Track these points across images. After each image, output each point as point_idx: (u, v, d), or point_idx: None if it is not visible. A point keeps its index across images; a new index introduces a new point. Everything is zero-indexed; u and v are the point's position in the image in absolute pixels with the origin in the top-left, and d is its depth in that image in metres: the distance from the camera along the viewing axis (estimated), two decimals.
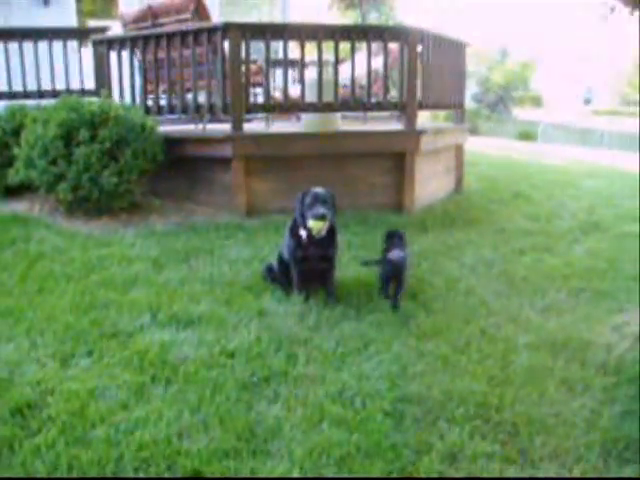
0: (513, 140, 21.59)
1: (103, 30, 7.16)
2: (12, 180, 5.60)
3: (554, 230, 5.90)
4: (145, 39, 6.14)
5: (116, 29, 7.63)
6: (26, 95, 7.17)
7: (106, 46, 6.50)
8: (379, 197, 6.07)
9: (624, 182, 9.11)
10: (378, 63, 6.49)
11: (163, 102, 6.28)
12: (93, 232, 5.17)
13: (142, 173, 5.51)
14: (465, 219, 6.05)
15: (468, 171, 8.02)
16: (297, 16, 13.83)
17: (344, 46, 6.05)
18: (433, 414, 2.61)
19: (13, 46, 7.15)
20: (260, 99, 6.80)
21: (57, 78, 7.13)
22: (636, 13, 4.92)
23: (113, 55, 6.46)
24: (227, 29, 5.51)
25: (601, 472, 2.29)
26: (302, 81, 5.86)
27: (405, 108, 6.08)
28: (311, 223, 3.69)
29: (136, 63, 6.43)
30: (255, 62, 6.87)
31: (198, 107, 6.02)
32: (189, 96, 6.19)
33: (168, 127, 6.49)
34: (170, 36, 5.92)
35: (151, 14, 6.74)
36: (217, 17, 10.23)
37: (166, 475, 2.20)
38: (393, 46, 6.37)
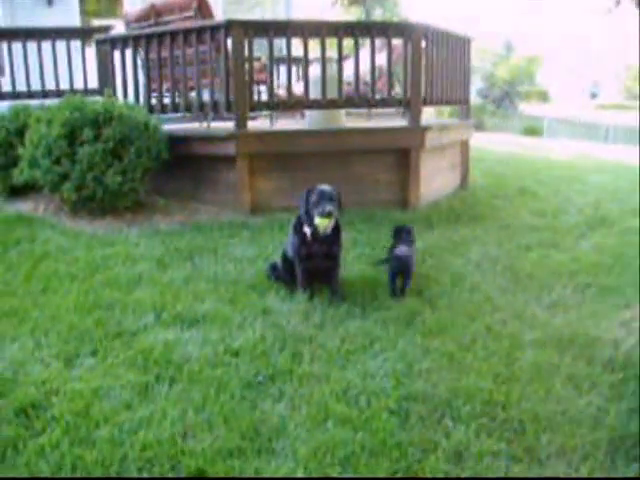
0: (519, 135, 21.53)
1: (106, 29, 7.18)
2: (17, 180, 5.62)
3: (560, 226, 5.86)
4: (148, 37, 6.13)
5: (120, 28, 7.63)
6: (30, 95, 7.19)
7: (109, 45, 6.50)
8: (384, 194, 6.05)
9: (630, 177, 9.04)
10: (382, 59, 6.47)
11: (167, 100, 6.27)
12: (97, 232, 5.18)
13: (146, 171, 5.51)
14: (470, 215, 6.02)
15: (474, 167, 7.99)
16: (300, 13, 13.81)
17: (348, 42, 6.03)
18: (439, 412, 2.59)
19: (17, 46, 7.15)
20: (264, 97, 6.80)
21: (61, 78, 7.15)
22: None
23: (116, 54, 6.45)
24: (230, 27, 5.50)
25: (608, 470, 2.26)
26: (306, 78, 5.85)
27: (409, 104, 6.06)
28: (317, 220, 3.68)
29: (139, 62, 6.43)
30: (258, 59, 6.86)
31: (202, 105, 6.02)
32: (192, 94, 6.19)
33: (172, 125, 6.48)
34: (173, 34, 5.91)
35: (154, 12, 6.74)
36: (220, 15, 10.22)
37: (170, 475, 2.19)
38: (397, 42, 6.34)
